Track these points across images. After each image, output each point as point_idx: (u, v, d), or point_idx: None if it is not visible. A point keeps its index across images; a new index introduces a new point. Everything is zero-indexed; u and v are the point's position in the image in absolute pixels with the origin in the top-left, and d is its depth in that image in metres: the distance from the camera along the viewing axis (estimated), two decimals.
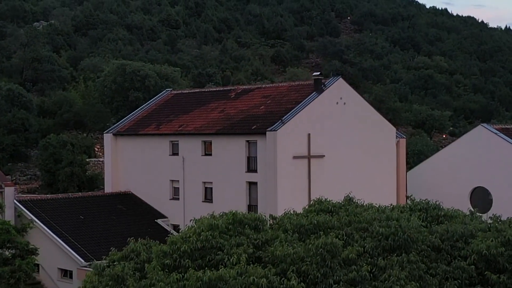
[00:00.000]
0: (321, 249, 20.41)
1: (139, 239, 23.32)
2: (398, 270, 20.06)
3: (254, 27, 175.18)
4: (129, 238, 23.33)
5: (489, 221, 23.49)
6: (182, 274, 19.85)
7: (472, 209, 26.69)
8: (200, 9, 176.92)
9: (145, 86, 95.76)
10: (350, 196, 26.04)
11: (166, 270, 20.44)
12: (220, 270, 19.34)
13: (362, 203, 25.52)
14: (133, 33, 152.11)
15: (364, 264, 20.56)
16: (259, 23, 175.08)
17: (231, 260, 20.15)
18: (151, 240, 23.31)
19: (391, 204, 25.75)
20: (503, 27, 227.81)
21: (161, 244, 22.12)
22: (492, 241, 21.13)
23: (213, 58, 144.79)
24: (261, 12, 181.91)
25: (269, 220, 24.28)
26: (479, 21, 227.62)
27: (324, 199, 25.28)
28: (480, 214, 25.79)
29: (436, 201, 25.25)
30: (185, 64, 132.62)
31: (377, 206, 24.59)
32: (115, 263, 22.27)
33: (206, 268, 19.86)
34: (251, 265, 20.07)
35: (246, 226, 22.30)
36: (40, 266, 46.01)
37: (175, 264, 20.59)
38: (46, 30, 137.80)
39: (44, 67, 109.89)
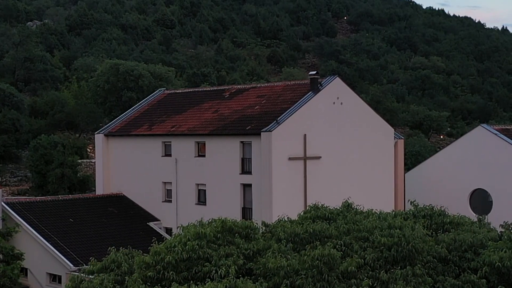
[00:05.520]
0: (317, 261, 19.08)
1: (121, 248, 21.76)
2: (402, 284, 18.70)
3: (250, 27, 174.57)
4: (109, 248, 21.79)
5: (500, 229, 21.96)
6: (166, 287, 18.37)
7: (473, 213, 25.32)
8: (195, 9, 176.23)
9: (139, 86, 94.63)
10: (349, 201, 24.52)
11: (149, 283, 19.07)
12: (207, 284, 17.96)
13: (361, 209, 23.99)
14: (128, 33, 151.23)
15: (365, 278, 19.23)
16: (255, 23, 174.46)
17: (219, 272, 18.79)
18: (134, 250, 21.81)
19: (392, 211, 24.23)
20: (499, 28, 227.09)
21: (144, 254, 20.58)
22: (505, 251, 19.61)
23: (208, 58, 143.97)
24: (257, 12, 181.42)
25: (262, 228, 22.77)
26: (476, 21, 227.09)
27: (320, 204, 23.76)
28: (490, 222, 24.27)
29: (441, 207, 23.74)
30: (180, 64, 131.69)
31: (378, 213, 23.09)
32: (94, 275, 20.74)
33: (192, 281, 18.49)
34: (240, 278, 18.73)
35: (236, 234, 20.92)
36: (28, 270, 45.06)
37: (158, 277, 19.19)
38: (40, 30, 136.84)
39: (37, 67, 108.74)
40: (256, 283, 18.63)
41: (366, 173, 47.25)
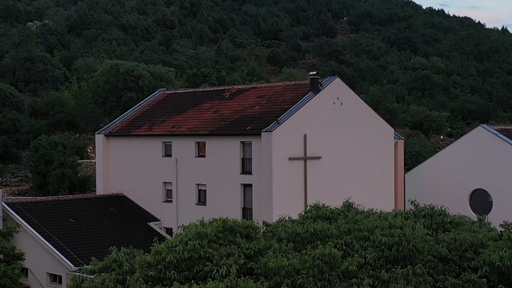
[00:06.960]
0: (318, 261, 19.05)
1: (122, 247, 21.78)
2: (403, 283, 18.66)
3: (250, 27, 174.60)
4: (111, 247, 21.82)
5: (500, 228, 21.97)
6: (167, 287, 18.39)
7: (473, 213, 25.34)
8: (195, 9, 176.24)
9: (139, 86, 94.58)
10: (350, 201, 24.50)
11: (150, 283, 19.08)
12: (208, 283, 17.95)
13: (362, 209, 23.98)
14: (128, 33, 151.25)
15: (366, 277, 19.19)
16: (255, 23, 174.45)
17: (220, 272, 18.78)
18: (135, 249, 21.83)
19: (393, 210, 24.21)
20: (499, 28, 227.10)
21: (146, 253, 20.60)
22: (505, 251, 19.61)
23: (208, 59, 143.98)
24: (257, 12, 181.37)
25: (263, 228, 22.77)
26: (476, 21, 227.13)
27: (321, 204, 23.73)
28: (490, 222, 24.27)
29: (441, 206, 23.74)
30: (180, 64, 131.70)
31: (379, 213, 23.06)
32: (95, 274, 20.76)
33: (193, 280, 18.46)
34: (242, 277, 18.71)
35: (237, 234, 20.90)
36: (29, 270, 44.99)
37: (159, 276, 19.17)
38: (40, 30, 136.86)
39: (37, 67, 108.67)
40: (257, 282, 18.62)
41: (366, 173, 47.15)
